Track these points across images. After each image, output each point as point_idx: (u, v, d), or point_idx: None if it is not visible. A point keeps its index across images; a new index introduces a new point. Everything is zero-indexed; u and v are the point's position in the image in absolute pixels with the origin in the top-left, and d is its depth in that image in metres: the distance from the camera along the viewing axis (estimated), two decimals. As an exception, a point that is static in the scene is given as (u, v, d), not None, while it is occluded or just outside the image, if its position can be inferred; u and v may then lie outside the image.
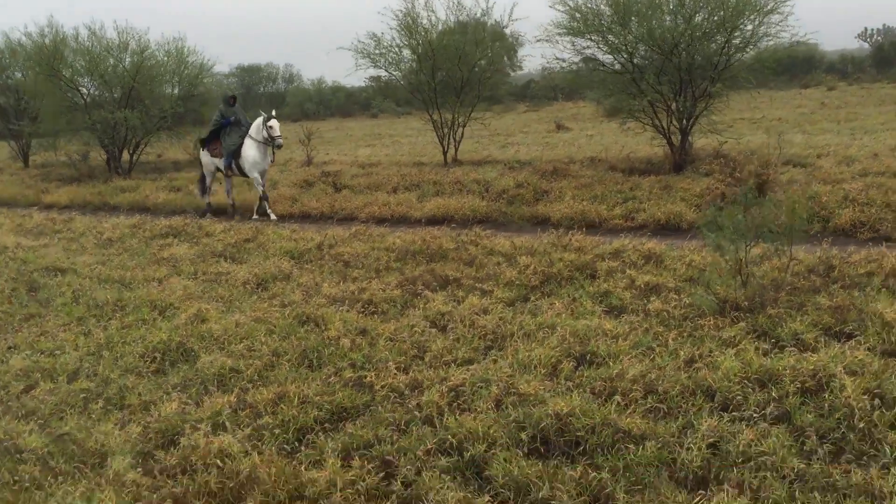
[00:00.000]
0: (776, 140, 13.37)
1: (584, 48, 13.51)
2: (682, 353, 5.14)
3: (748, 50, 12.93)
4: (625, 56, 13.09)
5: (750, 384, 4.54)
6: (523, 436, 4.16)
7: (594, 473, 3.72)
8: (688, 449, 3.85)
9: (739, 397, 4.42)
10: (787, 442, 3.94)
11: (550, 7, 13.24)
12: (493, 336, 5.84)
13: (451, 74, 16.94)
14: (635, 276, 6.99)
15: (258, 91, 68.40)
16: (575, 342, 5.49)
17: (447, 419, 4.39)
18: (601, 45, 13.28)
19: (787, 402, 4.32)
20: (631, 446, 3.95)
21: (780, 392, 4.41)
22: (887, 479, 3.49)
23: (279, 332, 6.17)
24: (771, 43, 13.08)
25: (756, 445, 3.84)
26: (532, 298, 6.82)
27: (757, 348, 5.13)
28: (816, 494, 3.47)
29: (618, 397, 4.50)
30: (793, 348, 5.05)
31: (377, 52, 16.94)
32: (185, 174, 19.11)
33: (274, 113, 12.93)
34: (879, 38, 60.10)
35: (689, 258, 7.38)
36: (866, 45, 59.60)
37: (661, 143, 14.07)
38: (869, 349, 5.00)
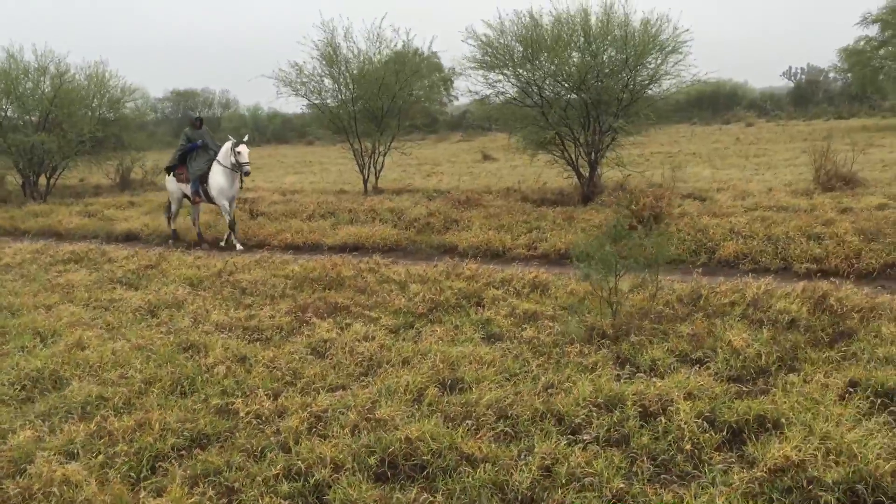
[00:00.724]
0: (675, 174, 13.85)
1: (495, 82, 13.85)
2: (544, 378, 5.32)
3: (651, 88, 13.40)
4: (534, 90, 13.45)
5: (596, 409, 4.74)
6: (372, 460, 4.28)
7: (428, 496, 3.85)
8: (520, 471, 4.01)
9: (585, 421, 4.62)
10: (620, 463, 4.15)
11: (463, 41, 13.57)
12: (370, 363, 5.96)
13: (372, 104, 17.12)
14: (517, 304, 7.21)
15: (194, 116, 67.95)
16: (445, 368, 5.63)
17: (302, 445, 4.48)
18: (511, 79, 13.64)
19: (628, 425, 4.53)
20: (469, 469, 4.09)
21: (623, 416, 4.62)
22: (701, 497, 3.71)
23: (158, 359, 6.17)
24: (673, 81, 13.55)
25: (586, 468, 4.03)
26: (417, 325, 6.96)
27: (617, 375, 5.35)
28: (632, 513, 3.66)
29: (469, 422, 4.65)
30: (644, 374, 5.30)
31: (299, 80, 17.02)
32: (103, 199, 18.87)
33: (246, 138, 12.46)
34: (802, 76, 62.68)
35: (571, 287, 7.62)
36: (790, 83, 62.05)
37: (571, 174, 14.46)
38: (715, 374, 5.28)
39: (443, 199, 14.56)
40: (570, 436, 4.47)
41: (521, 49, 13.37)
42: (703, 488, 3.83)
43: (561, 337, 6.22)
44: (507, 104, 14.33)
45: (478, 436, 4.49)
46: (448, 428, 4.58)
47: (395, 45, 17.75)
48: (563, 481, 3.92)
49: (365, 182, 17.60)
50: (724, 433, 4.43)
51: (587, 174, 13.99)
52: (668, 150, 25.54)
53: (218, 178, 12.37)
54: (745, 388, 5.04)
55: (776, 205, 11.71)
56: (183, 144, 12.96)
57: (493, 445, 4.37)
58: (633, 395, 4.85)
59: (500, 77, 13.76)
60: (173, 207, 13.33)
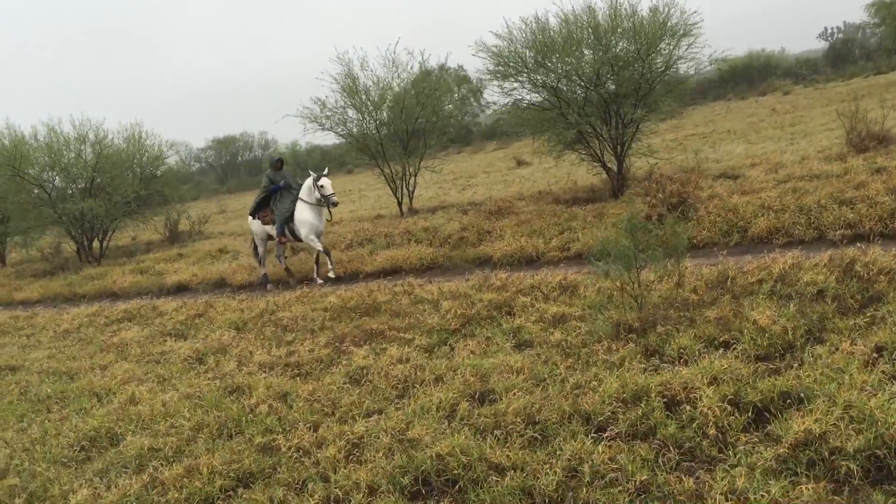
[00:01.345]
0: (706, 155, 13.74)
1: (511, 90, 13.97)
2: (572, 380, 5.40)
3: (667, 73, 13.35)
4: (549, 92, 13.53)
5: (622, 404, 4.81)
6: (405, 480, 4.42)
7: (457, 508, 3.98)
8: (546, 474, 4.11)
9: (611, 417, 4.69)
10: (647, 455, 4.21)
11: (473, 55, 13.73)
12: (405, 384, 6.11)
13: (397, 128, 17.39)
14: (546, 309, 7.29)
15: (237, 160, 69.53)
16: (476, 381, 5.75)
17: (339, 473, 4.65)
18: (527, 85, 13.73)
19: (654, 416, 4.59)
20: (498, 478, 4.21)
21: (648, 408, 4.68)
22: (717, 480, 3.75)
23: (205, 405, 6.43)
24: (690, 64, 13.49)
25: (610, 464, 4.11)
26: (450, 342, 7.10)
27: (643, 368, 5.41)
28: (656, 503, 3.73)
29: (498, 431, 4.77)
30: (670, 364, 5.35)
31: (323, 114, 17.38)
32: (154, 254, 19.47)
33: (326, 171, 12.39)
34: (840, 35, 61.15)
35: (600, 285, 7.66)
36: (827, 45, 60.59)
37: (600, 170, 14.47)
38: (743, 355, 5.29)
39: (475, 212, 14.69)
40: (595, 434, 4.54)
41: (532, 55, 13.46)
42: (726, 471, 3.87)
43: (589, 336, 6.28)
44: (528, 109, 14.40)
45: (507, 444, 4.61)
46: (478, 440, 4.70)
47: (412, 68, 18.00)
48: (588, 479, 4.01)
49: (399, 205, 17.83)
50: (750, 414, 4.46)
51: (616, 168, 13.97)
52: (702, 131, 25.25)
53: (305, 216, 12.27)
54: (772, 366, 5.05)
55: (808, 174, 11.54)
56: (266, 186, 12.89)
57: (521, 452, 4.47)
58: (659, 386, 4.90)
59: (516, 84, 13.85)
60: (260, 250, 13.21)
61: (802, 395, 4.43)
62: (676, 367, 5.21)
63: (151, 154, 21.59)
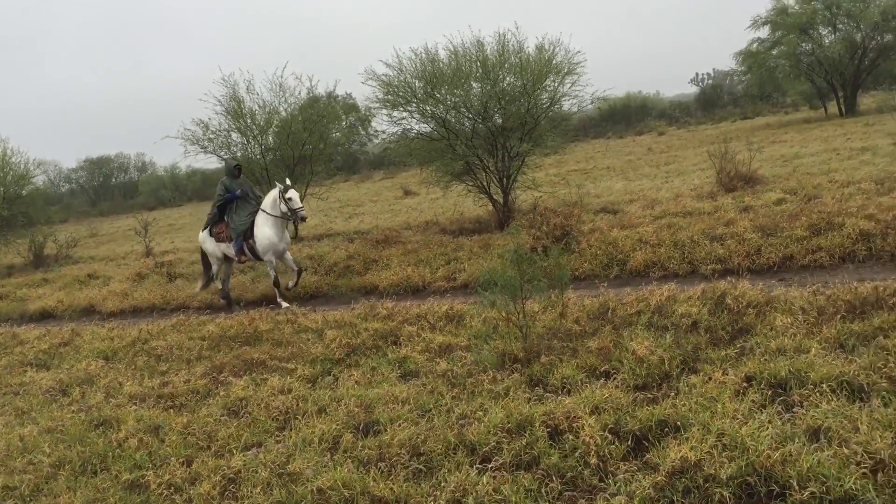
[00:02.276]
0: (587, 190, 14.19)
1: (399, 119, 14.02)
2: (457, 410, 5.37)
3: (552, 109, 13.74)
4: (438, 123, 13.66)
5: (507, 434, 4.80)
6: (284, 516, 4.25)
7: (338, 544, 3.85)
8: (429, 507, 4.04)
9: (495, 448, 4.67)
10: (530, 485, 4.20)
11: (363, 83, 13.74)
12: (286, 416, 5.92)
13: (284, 153, 17.13)
14: (432, 339, 7.25)
15: (111, 182, 66.58)
16: (361, 412, 5.64)
17: (214, 509, 4.43)
18: (416, 115, 13.82)
19: (537, 446, 4.60)
20: (381, 512, 4.10)
21: (532, 438, 4.69)
22: (599, 509, 3.79)
23: (68, 439, 6.02)
24: (573, 101, 13.94)
25: (494, 494, 4.08)
26: (334, 372, 6.95)
27: (528, 398, 5.43)
28: (539, 534, 3.71)
29: (382, 464, 4.66)
30: (554, 394, 5.40)
31: (206, 137, 16.91)
32: (15, 279, 18.32)
33: (288, 182, 11.12)
34: (710, 81, 64.92)
35: (486, 315, 7.71)
36: (697, 90, 64.12)
37: (487, 202, 14.67)
38: (622, 384, 5.40)
39: (362, 240, 14.59)
40: (480, 464, 4.51)
41: (421, 85, 13.57)
42: (606, 500, 3.91)
43: (475, 366, 6.28)
44: (416, 139, 14.48)
45: (390, 477, 4.51)
46: (361, 473, 4.58)
47: (300, 93, 17.82)
48: (473, 511, 3.96)
49: (284, 231, 17.50)
50: (629, 442, 4.53)
51: (502, 200, 14.20)
52: (584, 167, 26.09)
53: (265, 231, 11.02)
54: (650, 395, 5.17)
55: (682, 210, 12.07)
56: (221, 195, 11.44)
57: (406, 484, 4.38)
58: (543, 415, 4.92)
59: (405, 114, 13.92)
60: (214, 268, 11.85)
61: (682, 422, 4.55)
62: (560, 397, 5.27)
63: (16, 173, 20.41)
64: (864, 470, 3.68)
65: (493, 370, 6.10)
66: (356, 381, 6.48)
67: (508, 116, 13.65)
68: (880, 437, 3.88)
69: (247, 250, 11.25)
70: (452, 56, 13.76)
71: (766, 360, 5.29)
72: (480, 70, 13.53)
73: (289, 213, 10.94)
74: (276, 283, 11.16)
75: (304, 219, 11.07)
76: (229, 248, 11.38)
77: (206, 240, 11.81)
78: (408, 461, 4.68)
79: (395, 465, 4.65)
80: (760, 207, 11.18)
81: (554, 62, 13.45)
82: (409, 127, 14.07)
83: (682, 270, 9.16)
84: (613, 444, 4.49)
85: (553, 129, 14.21)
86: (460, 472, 4.37)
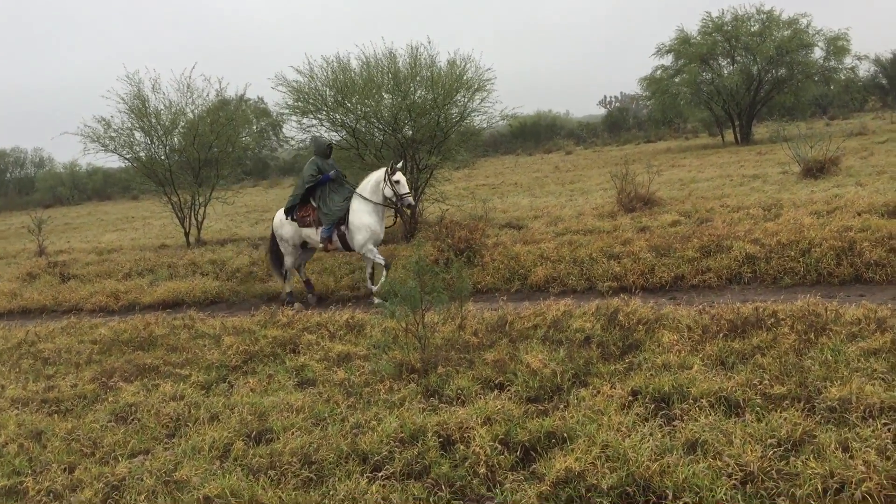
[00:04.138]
0: (494, 204, 14.42)
1: (309, 126, 13.94)
2: (352, 419, 5.38)
3: (462, 124, 13.92)
4: (347, 132, 13.65)
5: (399, 443, 4.84)
6: (170, 526, 4.17)
7: (222, 553, 3.80)
8: (318, 515, 4.03)
9: (387, 457, 4.70)
10: (420, 494, 4.25)
11: (273, 88, 13.60)
12: (177, 423, 5.79)
13: (189, 155, 16.76)
14: (331, 347, 7.24)
15: (6, 178, 63.43)
16: (254, 420, 5.57)
17: (95, 518, 4.30)
18: (325, 123, 13.77)
19: (429, 456, 4.66)
20: (269, 520, 4.07)
21: (424, 447, 4.75)
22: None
23: (-60, 446, 5.72)
24: (483, 117, 14.16)
25: (383, 503, 4.11)
26: (230, 379, 6.84)
27: (423, 408, 5.48)
28: (425, 542, 3.76)
29: (272, 472, 4.63)
30: (448, 404, 5.48)
31: (107, 135, 16.38)
32: None
33: (400, 164, 10.15)
34: (617, 104, 66.97)
35: (385, 325, 7.74)
36: (605, 112, 66.03)
37: (393, 213, 14.69)
38: (515, 396, 5.52)
39: (265, 246, 14.38)
40: (371, 473, 4.53)
41: (332, 94, 13.54)
42: (494, 508, 4.00)
43: (372, 376, 6.30)
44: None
45: (280, 485, 4.48)
46: (250, 481, 4.53)
47: (209, 95, 17.49)
48: (360, 520, 3.98)
49: (187, 235, 17.13)
50: (518, 453, 4.64)
51: (410, 211, 14.26)
52: (492, 182, 26.46)
53: (364, 219, 9.95)
54: (541, 407, 5.30)
55: (584, 228, 12.41)
56: (313, 176, 10.25)
57: (295, 493, 4.36)
58: (436, 425, 4.99)
59: (315, 121, 13.85)
60: (288, 260, 10.62)
61: (569, 434, 4.69)
62: (454, 408, 5.35)
63: None
64: (734, 481, 3.89)
65: (391, 380, 6.13)
66: (251, 389, 6.40)
67: (419, 129, 13.76)
68: (751, 450, 4.10)
69: (335, 238, 10.22)
70: (364, 66, 13.80)
71: (651, 375, 5.51)
72: (392, 82, 13.60)
73: (393, 199, 9.94)
74: (388, 266, 10.09)
75: (410, 206, 10.11)
76: (314, 234, 10.28)
77: (283, 224, 10.60)
78: (299, 469, 4.66)
79: (286, 474, 4.62)
80: (656, 228, 11.60)
81: (465, 77, 13.65)
82: (318, 135, 13.96)
83: (580, 286, 9.43)
84: (503, 454, 4.59)
85: (463, 143, 14.41)
86: (351, 481, 4.38)
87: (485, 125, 14.82)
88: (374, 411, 5.49)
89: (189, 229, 17.19)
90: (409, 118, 13.64)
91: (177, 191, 16.93)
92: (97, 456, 5.31)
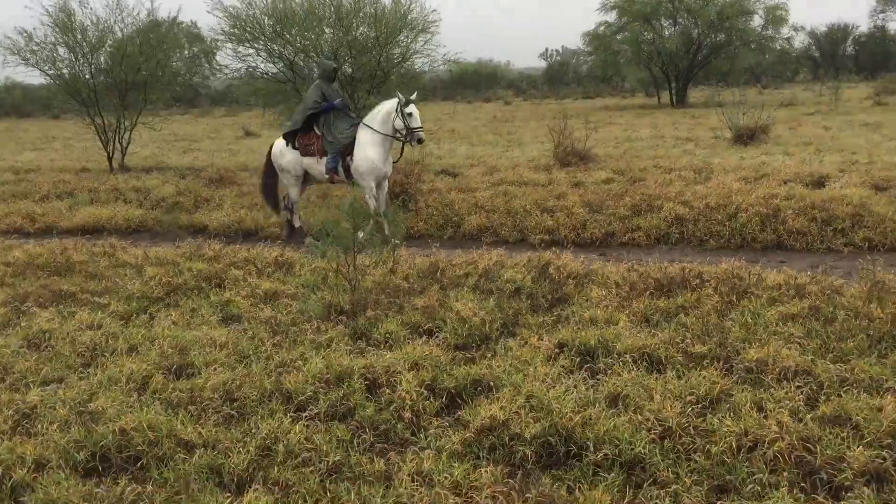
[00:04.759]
0: (431, 150, 14.31)
1: (245, 55, 13.49)
2: (277, 358, 5.30)
3: (403, 66, 13.69)
4: (285, 65, 13.27)
5: (325, 385, 4.79)
6: (81, 455, 4.04)
7: (136, 487, 3.71)
8: (238, 453, 3.97)
9: (312, 397, 4.65)
10: (343, 436, 4.23)
11: (209, 12, 13.08)
12: (93, 353, 5.61)
13: (116, 77, 16.05)
14: (259, 284, 7.10)
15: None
16: (175, 354, 5.43)
17: (3, 445, 4.14)
18: (262, 53, 13.35)
19: (354, 398, 4.63)
20: (186, 456, 3.99)
21: (350, 390, 4.71)
22: (406, 462, 3.87)
23: None
24: (424, 60, 13.95)
25: (305, 443, 4.07)
26: (151, 311, 6.65)
27: (350, 350, 5.43)
28: (346, 483, 3.75)
29: (192, 407, 4.53)
30: (375, 348, 5.45)
31: (28, 48, 15.53)
32: None
33: (414, 96, 9.44)
34: (558, 58, 66.86)
35: (315, 265, 7.61)
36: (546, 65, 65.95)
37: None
38: (443, 343, 5.52)
39: (195, 177, 14.00)
40: (295, 413, 4.48)
41: (271, 23, 13.10)
42: (416, 453, 4.00)
43: (299, 315, 6.21)
44: (261, 79, 14.00)
45: (200, 421, 4.39)
46: (168, 415, 4.43)
47: (139, 14, 16.73)
48: (281, 458, 3.94)
49: (110, 160, 16.51)
50: (444, 399, 4.65)
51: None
52: (430, 128, 26.14)
53: (368, 151, 9.33)
54: (468, 355, 5.32)
55: (519, 180, 12.43)
56: (317, 102, 9.56)
57: (215, 429, 4.28)
58: (362, 368, 4.95)
59: (251, 51, 13.41)
60: (292, 192, 9.96)
61: (495, 382, 4.72)
62: (381, 351, 5.32)
63: None
64: (653, 436, 3.97)
65: (318, 321, 6.05)
66: (174, 322, 6.23)
67: (359, 67, 13.47)
68: (670, 406, 4.19)
69: (341, 170, 9.63)
70: (307, -3, 13.37)
71: (578, 328, 5.57)
72: (334, 15, 13.23)
73: (403, 132, 9.32)
74: (386, 215, 9.08)
75: (421, 141, 9.44)
76: (317, 164, 9.67)
77: (284, 152, 9.92)
78: (220, 406, 4.57)
79: (207, 410, 4.53)
80: (591, 184, 11.70)
81: (409, 17, 13.39)
82: (254, 65, 13.56)
83: (513, 238, 9.47)
84: (428, 400, 4.59)
85: (403, 86, 14.15)
86: (273, 420, 4.32)
87: (426, 68, 14.61)
88: (300, 351, 5.42)
89: (113, 154, 16.55)
90: (349, 55, 13.34)
91: (101, 113, 16.22)
92: (7, 382, 5.11)
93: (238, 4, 13.22)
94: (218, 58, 30.61)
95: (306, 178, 10.14)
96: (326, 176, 9.73)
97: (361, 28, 13.42)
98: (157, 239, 10.55)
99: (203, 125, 33.55)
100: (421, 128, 9.30)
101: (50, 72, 16.07)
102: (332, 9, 13.28)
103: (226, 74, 15.57)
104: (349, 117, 9.73)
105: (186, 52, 26.59)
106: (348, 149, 9.47)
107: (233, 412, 4.52)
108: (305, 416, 4.40)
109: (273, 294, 6.87)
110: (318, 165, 9.69)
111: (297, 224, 9.97)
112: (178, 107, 46.65)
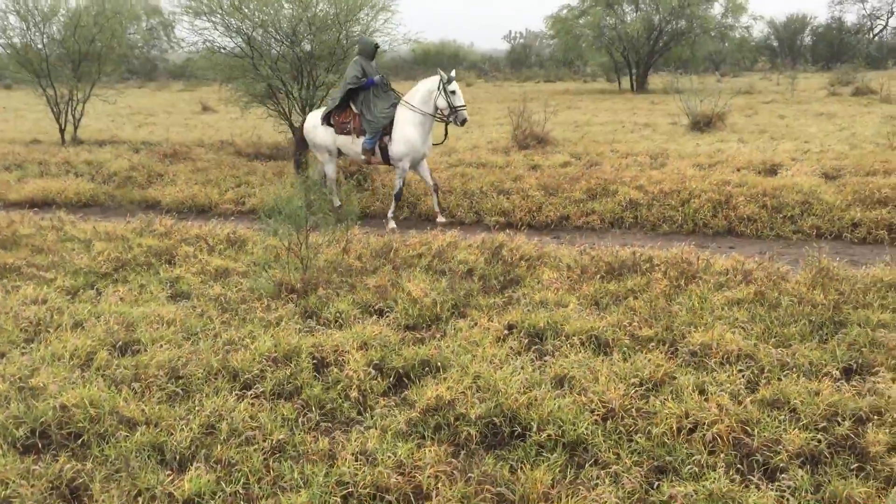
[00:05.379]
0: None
1: (202, 29, 13.21)
2: (225, 335, 5.25)
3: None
4: (243, 40, 13.04)
5: (272, 363, 4.76)
6: (20, 432, 3.98)
7: (76, 464, 3.66)
8: (181, 430, 3.94)
9: (258, 376, 4.62)
10: (289, 414, 4.21)
11: (165, -17, 12.77)
12: (37, 328, 5.50)
13: (69, 47, 15.65)
14: (210, 261, 7.02)
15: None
16: (121, 330, 5.35)
17: (-62, 422, 4.05)
18: (220, 27, 13.09)
19: (301, 377, 4.61)
20: (128, 433, 3.95)
21: (297, 368, 4.69)
22: (350, 441, 3.87)
23: None
24: (385, 39, 13.78)
25: (250, 421, 4.05)
26: (98, 286, 6.54)
27: (299, 329, 5.40)
28: (289, 462, 3.74)
29: (136, 384, 4.48)
30: (325, 327, 5.43)
31: (-23, 14, 15.07)
32: None
33: (454, 73, 9.07)
34: (522, 40, 66.74)
35: (268, 242, 7.55)
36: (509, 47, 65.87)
37: (286, 129, 14.28)
38: (394, 323, 5.52)
39: (149, 152, 13.76)
40: (241, 391, 4.45)
41: (228, -5, 12.84)
42: (361, 433, 4.00)
43: (250, 293, 6.16)
44: (219, 53, 13.72)
45: (144, 398, 4.34)
46: (112, 392, 4.37)
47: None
48: (225, 437, 3.91)
49: (62, 132, 16.13)
50: (392, 379, 4.67)
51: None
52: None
53: (408, 131, 9.04)
54: (418, 336, 5.33)
55: (477, 161, 12.42)
56: (357, 78, 9.22)
57: (159, 406, 4.24)
58: (311, 347, 4.94)
59: (208, 25, 13.13)
60: (329, 170, 9.70)
61: (443, 363, 4.74)
62: (331, 331, 5.30)
63: None
64: (596, 417, 4.03)
65: (269, 299, 6.01)
66: (121, 298, 6.15)
67: (318, 44, 13.27)
68: (615, 388, 4.25)
69: (377, 150, 9.28)
70: (265, -30, 13.11)
71: (529, 310, 5.61)
72: (293, -10, 13.00)
73: (446, 111, 8.96)
74: (399, 196, 9.38)
75: (465, 121, 8.97)
76: (354, 144, 9.34)
77: (317, 128, 9.65)
78: (165, 383, 4.53)
79: (151, 387, 4.48)
80: (547, 167, 11.74)
81: (370, -6, 13.20)
82: (211, 39, 13.28)
83: (469, 219, 9.48)
84: (376, 379, 4.60)
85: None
86: (219, 398, 4.29)
87: (387, 47, 14.43)
88: (248, 329, 5.38)
89: (65, 126, 16.18)
90: (308, 31, 13.13)
91: (53, 84, 15.82)
92: (-56, 357, 5.00)
93: (195, -24, 12.91)
94: (176, 31, 30.18)
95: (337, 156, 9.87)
96: (363, 157, 9.38)
97: (321, 4, 13.20)
98: (108, 214, 10.37)
99: (160, 99, 32.89)
100: (465, 106, 8.98)
101: (1, 41, 15.62)
102: (292, -17, 13.04)
103: (184, 48, 15.19)
104: (388, 96, 9.36)
105: (144, 24, 26.00)
106: (386, 128, 9.19)
107: (178, 390, 4.48)
108: (251, 395, 4.37)
109: (224, 271, 6.81)
110: (353, 145, 9.39)
111: (336, 203, 9.61)
112: (134, 80, 45.81)
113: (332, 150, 9.60)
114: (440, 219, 9.42)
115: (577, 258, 6.89)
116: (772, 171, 10.78)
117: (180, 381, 4.58)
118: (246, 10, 12.94)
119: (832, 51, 49.50)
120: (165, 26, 46.65)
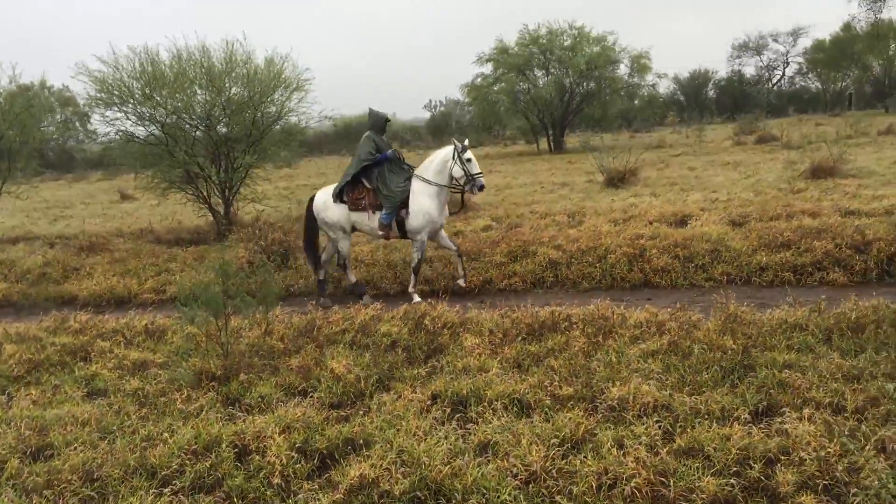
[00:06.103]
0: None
1: (114, 119, 13.17)
2: (143, 431, 5.12)
3: (278, 124, 13.68)
4: (157, 127, 13.03)
5: (192, 456, 4.66)
6: (-79, 556, 3.78)
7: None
8: (95, 536, 3.80)
9: (178, 470, 4.51)
10: (210, 508, 4.11)
11: (73, 78, 12.75)
12: (-58, 442, 5.26)
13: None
14: (127, 355, 6.86)
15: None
16: (33, 435, 5.17)
17: None
18: (132, 117, 13.07)
19: (222, 467, 4.52)
20: (39, 545, 3.80)
21: (218, 459, 4.60)
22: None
23: None
24: (301, 117, 13.98)
25: (168, 519, 3.94)
26: (10, 391, 6.31)
27: (221, 417, 5.31)
28: (211, 558, 3.64)
29: (48, 492, 4.32)
30: (246, 413, 5.35)
31: None
32: None
33: (467, 142, 8.96)
34: (441, 108, 68.24)
35: (188, 330, 7.42)
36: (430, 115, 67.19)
37: (207, 212, 14.21)
38: (318, 403, 5.48)
39: (64, 246, 13.46)
40: (160, 489, 4.33)
41: (139, 86, 12.86)
42: (286, 519, 3.93)
43: (169, 385, 6.03)
44: (132, 142, 13.66)
45: (58, 505, 4.19)
46: (23, 503, 4.20)
47: (2, 81, 16.11)
48: (141, 539, 3.79)
49: (-29, 231, 15.66)
50: (315, 461, 4.61)
51: (223, 211, 13.83)
52: (314, 183, 26.14)
53: (425, 203, 8.86)
54: (342, 414, 5.29)
55: (400, 232, 12.50)
56: (371, 153, 8.96)
57: (76, 513, 4.10)
58: (232, 435, 4.85)
59: (120, 114, 13.09)
60: (343, 246, 9.33)
61: (367, 440, 4.71)
62: (253, 416, 5.23)
63: None
64: (519, 481, 4.05)
65: (189, 389, 5.89)
66: (33, 401, 5.95)
67: (234, 126, 13.36)
68: (536, 450, 4.29)
69: (395, 224, 9.02)
70: (176, 59, 13.21)
71: (452, 378, 5.64)
72: (206, 77, 13.11)
73: (463, 180, 8.77)
74: (417, 270, 9.07)
75: (482, 187, 8.73)
76: (371, 220, 9.06)
77: (328, 206, 9.26)
78: (79, 487, 4.38)
79: (65, 493, 4.33)
80: (469, 233, 11.93)
81: (283, 76, 13.41)
82: (124, 128, 13.23)
83: (393, 290, 9.52)
84: (299, 463, 4.54)
85: (284, 142, 14.14)
86: (135, 498, 4.17)
87: (303, 125, 14.63)
88: (167, 422, 5.26)
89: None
90: (223, 115, 13.22)
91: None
92: None
93: (104, 69, 12.90)
94: (92, 121, 29.84)
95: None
96: (380, 232, 9.08)
97: (235, 88, 13.34)
98: (22, 313, 10.06)
99: (77, 190, 32.28)
100: (482, 173, 8.80)
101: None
102: (204, 70, 13.15)
103: (97, 140, 15.05)
104: (403, 170, 9.18)
105: (59, 115, 25.60)
106: (403, 203, 9.00)
107: (92, 493, 4.34)
108: (168, 492, 4.26)
109: (142, 364, 6.66)
110: (369, 221, 9.13)
111: (352, 279, 9.56)
112: (50, 172, 44.93)
113: (347, 228, 9.32)
114: (461, 283, 9.28)
115: (499, 321, 6.97)
116: (682, 221, 11.18)
117: (95, 484, 4.43)
118: (158, 98, 12.96)
119: (735, 102, 52.05)
120: (81, 116, 46.17)
